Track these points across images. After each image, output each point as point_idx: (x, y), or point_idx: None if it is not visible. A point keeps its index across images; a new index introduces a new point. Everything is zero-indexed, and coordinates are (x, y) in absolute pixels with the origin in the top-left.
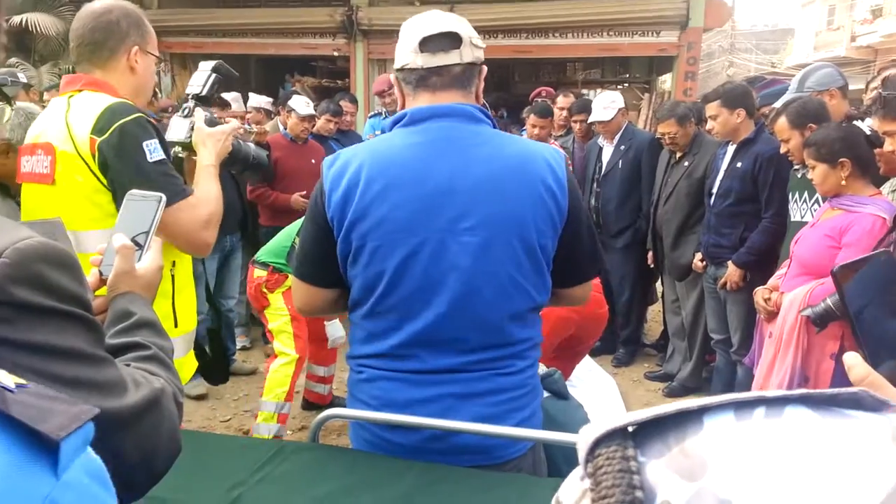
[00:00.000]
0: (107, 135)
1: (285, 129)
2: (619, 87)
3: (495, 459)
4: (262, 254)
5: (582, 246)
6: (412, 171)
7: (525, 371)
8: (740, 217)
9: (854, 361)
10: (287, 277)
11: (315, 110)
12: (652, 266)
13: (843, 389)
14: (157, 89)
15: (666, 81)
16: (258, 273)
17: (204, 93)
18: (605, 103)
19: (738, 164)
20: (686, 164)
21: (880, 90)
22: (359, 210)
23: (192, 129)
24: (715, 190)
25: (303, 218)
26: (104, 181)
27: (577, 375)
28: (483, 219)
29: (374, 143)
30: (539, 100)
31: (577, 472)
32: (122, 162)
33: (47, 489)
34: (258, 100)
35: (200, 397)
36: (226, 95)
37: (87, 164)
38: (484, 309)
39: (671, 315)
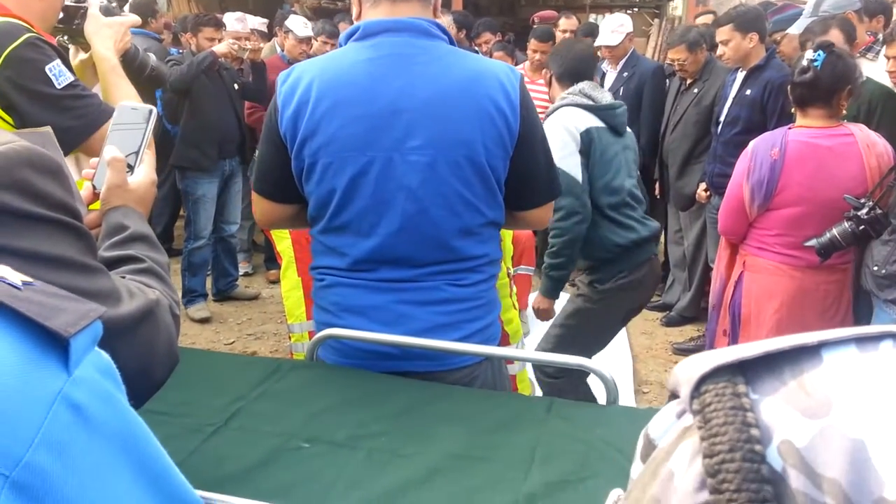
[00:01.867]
0: None
1: (283, 51)
2: (628, 11)
3: (445, 365)
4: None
5: (537, 168)
6: (361, 89)
7: (479, 284)
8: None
9: None
10: None
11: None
12: (658, 196)
13: None
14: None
15: (677, 7)
16: None
17: None
18: (614, 26)
19: (748, 92)
20: (695, 91)
21: None
22: (309, 127)
23: (83, 16)
24: (722, 118)
25: None
26: (9, 119)
27: None
28: (430, 138)
29: (327, 59)
30: (536, 25)
31: (671, 408)
32: (27, 96)
33: (59, 384)
34: (252, 21)
35: (204, 320)
36: (229, 15)
37: None
38: (433, 227)
39: (673, 246)
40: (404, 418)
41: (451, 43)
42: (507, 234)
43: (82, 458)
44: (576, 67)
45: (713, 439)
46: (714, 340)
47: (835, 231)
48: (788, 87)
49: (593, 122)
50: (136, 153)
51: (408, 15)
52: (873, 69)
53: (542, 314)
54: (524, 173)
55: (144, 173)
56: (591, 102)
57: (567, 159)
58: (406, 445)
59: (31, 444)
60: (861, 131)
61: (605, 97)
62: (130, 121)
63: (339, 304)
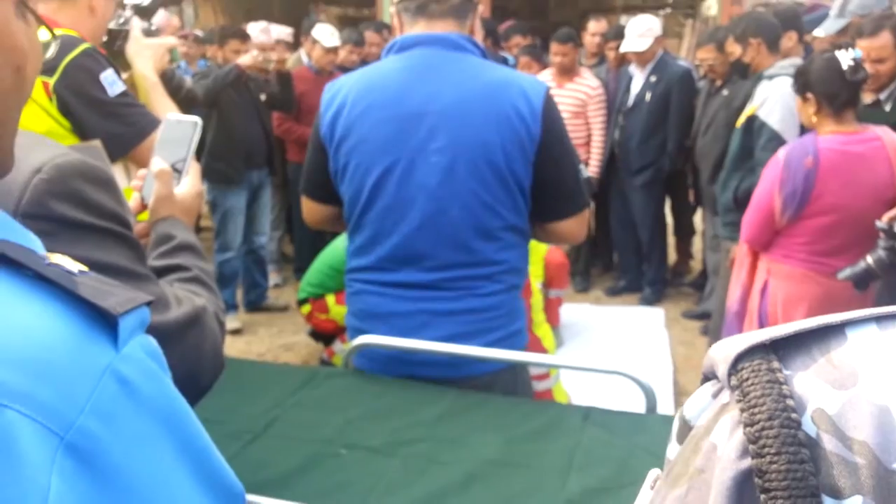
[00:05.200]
0: (58, 75)
1: (310, 60)
2: (660, 12)
3: (463, 373)
4: (300, 291)
5: (560, 177)
6: (391, 94)
7: (498, 294)
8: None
9: None
10: (325, 295)
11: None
12: (694, 202)
13: None
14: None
15: (711, 7)
16: (304, 310)
17: (146, 3)
18: (641, 30)
19: None
20: (725, 93)
21: None
22: (345, 129)
23: (125, 37)
24: None
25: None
26: (65, 123)
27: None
28: (450, 140)
29: (365, 70)
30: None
31: (706, 390)
32: (82, 102)
33: (108, 359)
34: (277, 31)
35: (235, 332)
36: (253, 26)
37: (45, 109)
38: (451, 226)
39: (710, 252)
40: (440, 426)
41: (484, 57)
42: (535, 249)
43: (128, 428)
44: (779, 35)
45: (753, 410)
46: None
47: (869, 260)
48: (830, 91)
49: None
50: (183, 164)
51: (443, 31)
52: None
53: None
54: (548, 181)
55: (190, 184)
56: None
57: (793, 128)
58: (443, 453)
59: (83, 411)
60: (886, 134)
61: None
62: (176, 133)
63: (365, 311)
